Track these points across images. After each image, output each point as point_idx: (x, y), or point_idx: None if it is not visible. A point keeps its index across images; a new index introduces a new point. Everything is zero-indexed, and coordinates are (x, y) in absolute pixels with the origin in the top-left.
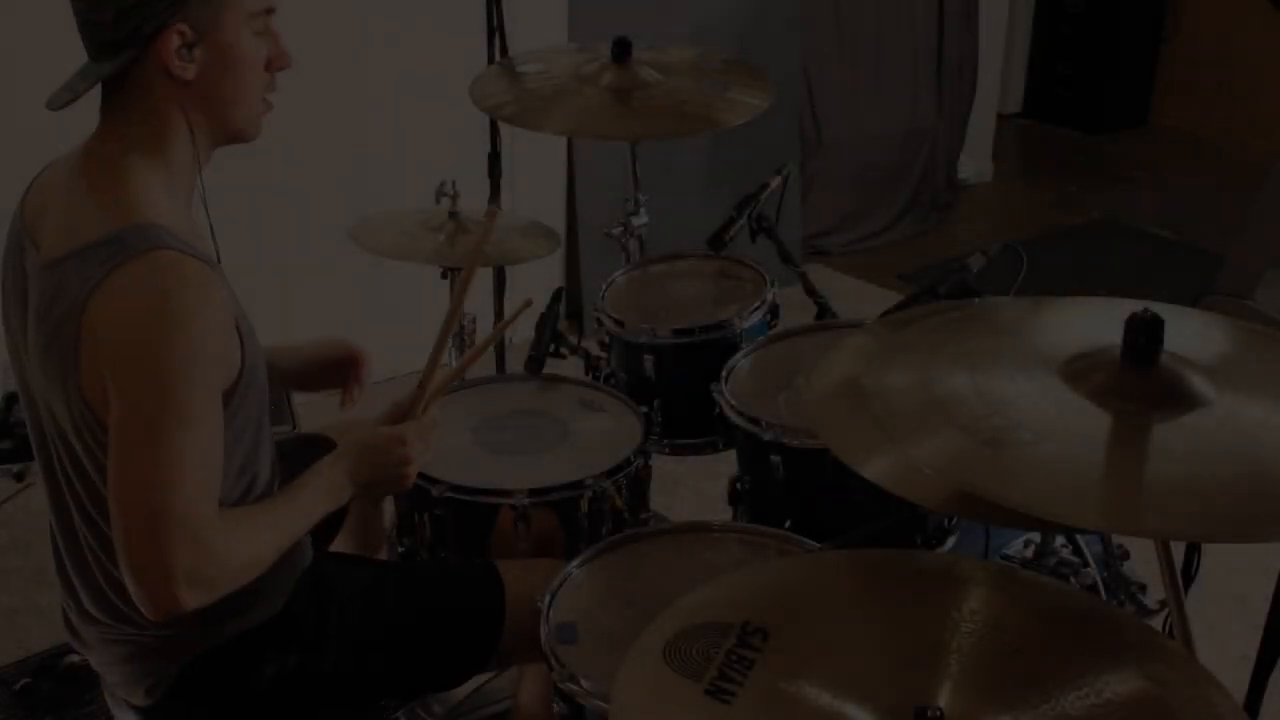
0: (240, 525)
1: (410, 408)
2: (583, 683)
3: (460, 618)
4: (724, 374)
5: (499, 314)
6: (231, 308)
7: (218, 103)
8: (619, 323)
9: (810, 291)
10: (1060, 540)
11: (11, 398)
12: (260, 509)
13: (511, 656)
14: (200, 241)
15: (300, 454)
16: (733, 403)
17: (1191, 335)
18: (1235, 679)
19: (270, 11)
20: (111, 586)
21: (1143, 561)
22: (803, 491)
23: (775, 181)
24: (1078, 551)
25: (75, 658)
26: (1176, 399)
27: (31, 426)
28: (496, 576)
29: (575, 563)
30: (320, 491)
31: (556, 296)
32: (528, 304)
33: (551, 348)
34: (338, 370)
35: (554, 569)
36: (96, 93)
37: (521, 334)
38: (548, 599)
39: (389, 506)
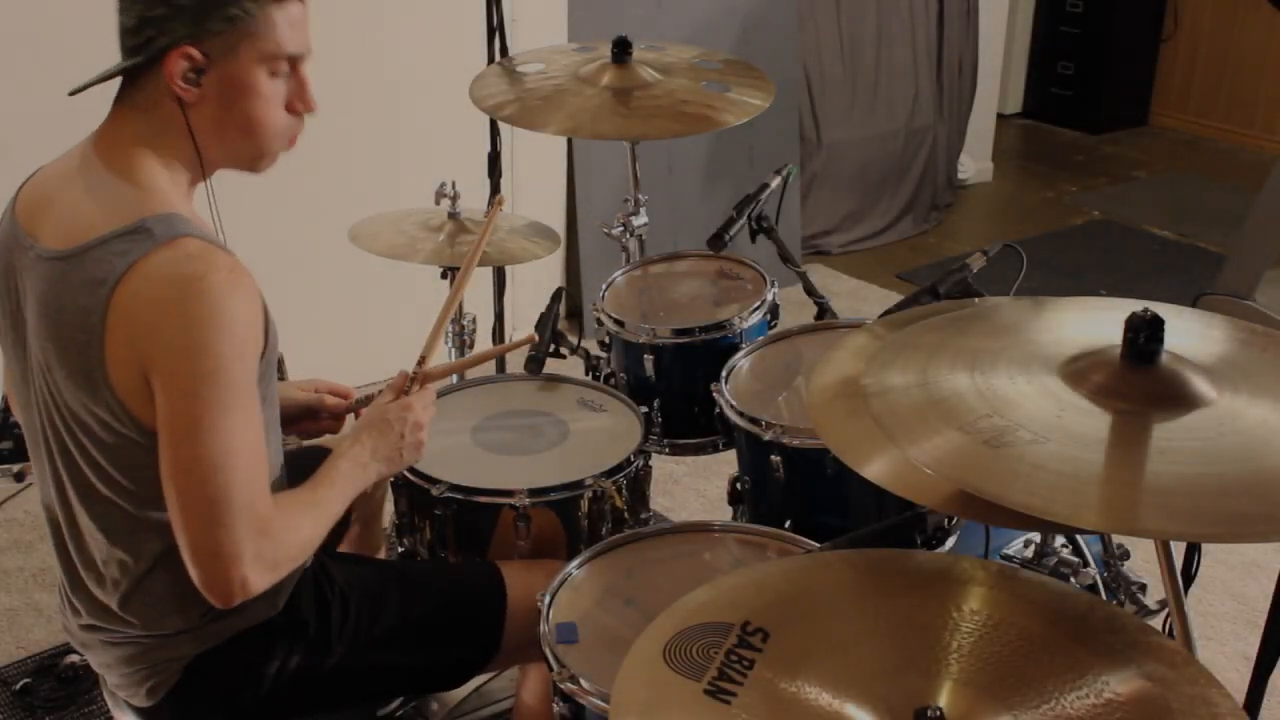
0: (292, 506)
1: (410, 384)
2: (583, 683)
3: (462, 618)
4: (724, 374)
5: (499, 314)
6: (258, 293)
7: (228, 130)
8: (619, 323)
9: (810, 291)
10: (1060, 540)
11: None
12: (304, 492)
13: (512, 656)
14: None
15: (300, 465)
16: (733, 403)
17: (1191, 335)
18: (1235, 679)
19: (295, 59)
20: (115, 590)
21: (1143, 561)
22: (803, 491)
23: (775, 181)
24: (1078, 551)
25: (75, 658)
26: (1176, 399)
27: (30, 429)
28: (498, 576)
29: (575, 563)
30: (349, 473)
31: (556, 296)
32: (530, 339)
33: (551, 348)
34: (309, 416)
35: (554, 569)
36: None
37: (521, 334)
38: (548, 599)
39: (388, 507)
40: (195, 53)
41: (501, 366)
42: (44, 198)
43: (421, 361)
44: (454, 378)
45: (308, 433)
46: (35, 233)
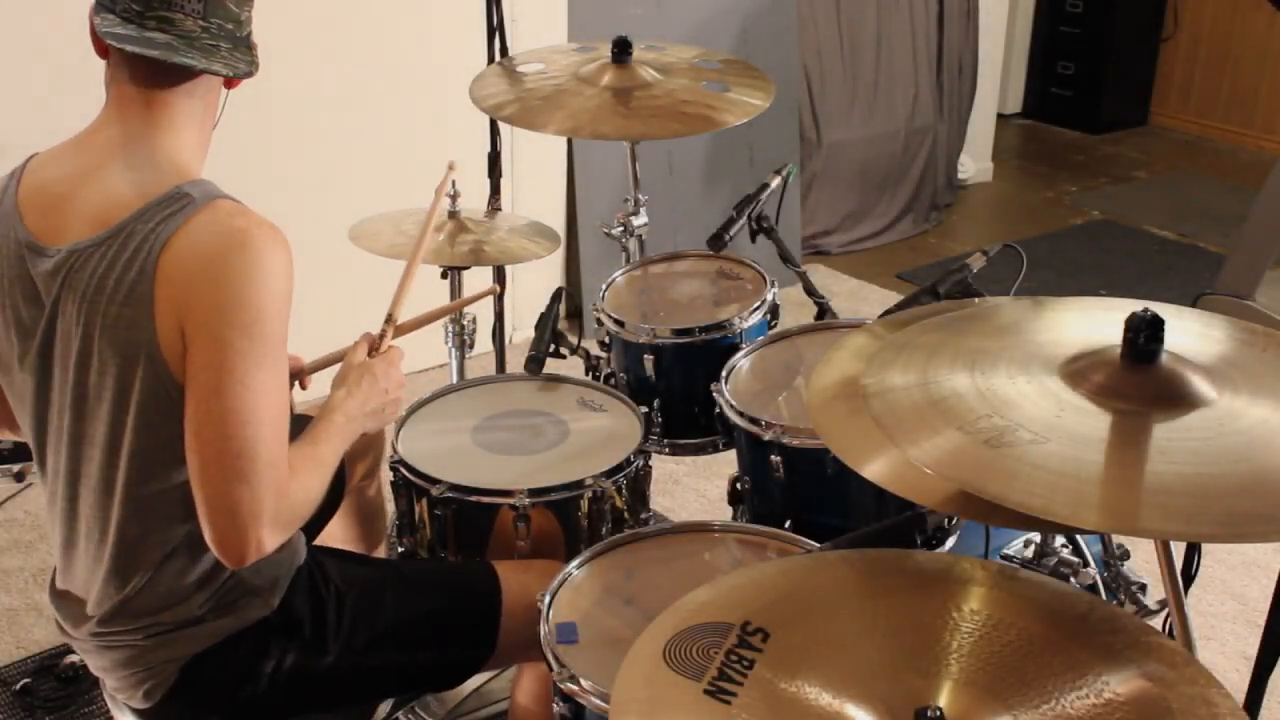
0: (302, 465)
1: (381, 340)
2: (583, 683)
3: (457, 618)
4: (724, 374)
5: (499, 314)
6: (291, 254)
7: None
8: (619, 323)
9: (810, 291)
10: (1060, 540)
11: None
12: (305, 449)
13: (509, 657)
14: None
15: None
16: (733, 403)
17: (1191, 335)
18: (1235, 679)
19: None
20: (114, 591)
21: (1143, 561)
22: (803, 491)
23: (775, 181)
24: (1078, 551)
25: (75, 658)
26: (1176, 399)
27: (42, 430)
28: (494, 576)
29: (575, 563)
30: (343, 428)
31: (556, 296)
32: (492, 290)
33: (551, 348)
34: None
35: (551, 570)
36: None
37: (521, 334)
38: (548, 599)
39: (389, 507)
40: None
41: (501, 367)
42: (56, 198)
43: (390, 320)
44: (453, 377)
45: None
46: (55, 237)
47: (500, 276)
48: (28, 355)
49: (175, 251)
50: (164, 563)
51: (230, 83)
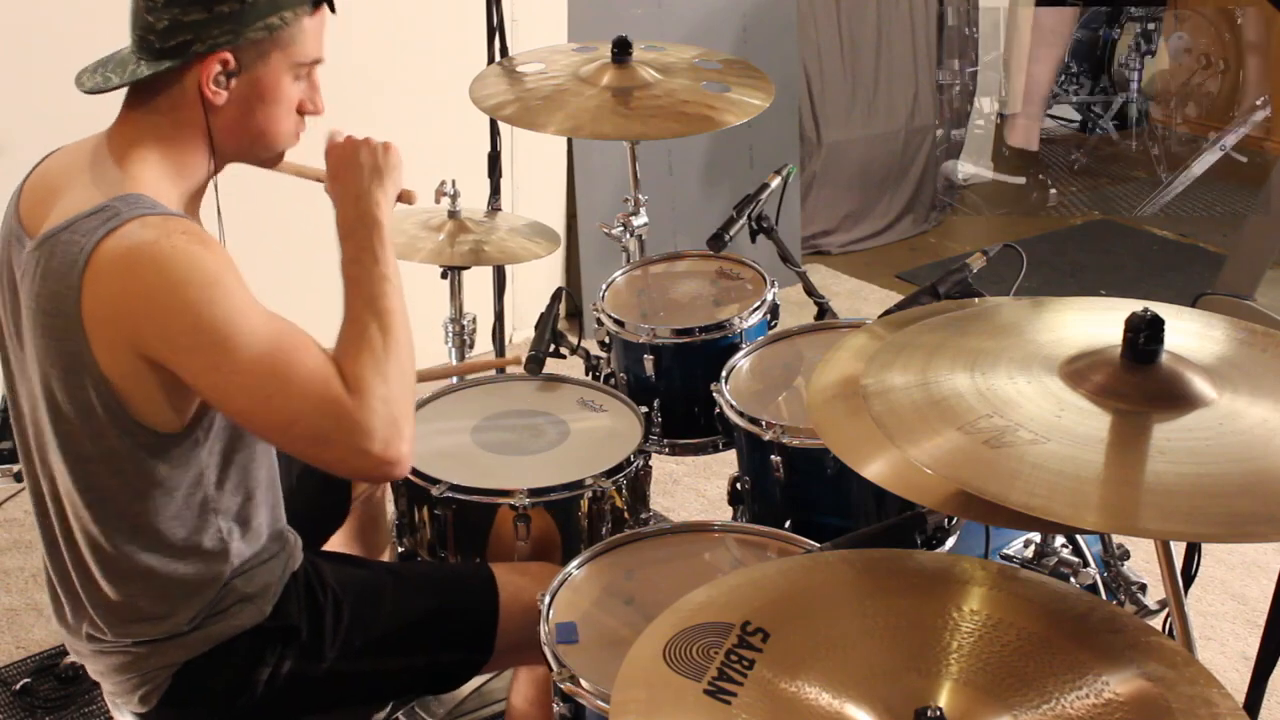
0: (358, 367)
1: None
2: (583, 683)
3: (454, 622)
4: (724, 374)
5: (499, 314)
6: (220, 247)
7: (246, 129)
8: (619, 323)
9: (810, 291)
10: (1060, 540)
11: None
12: (345, 325)
13: (506, 660)
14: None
15: None
16: (733, 403)
17: (1191, 335)
18: (1235, 679)
19: (317, 63)
20: (95, 600)
21: (1143, 561)
22: (803, 491)
23: (775, 181)
24: (1078, 551)
25: (75, 657)
26: (1176, 399)
27: (19, 435)
28: (491, 580)
29: (575, 563)
30: (363, 227)
31: (556, 296)
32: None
33: (551, 348)
34: None
35: (548, 573)
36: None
37: (521, 334)
38: (547, 599)
39: (389, 507)
40: (230, 58)
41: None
42: (48, 192)
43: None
44: (452, 378)
45: None
46: (32, 229)
47: (500, 276)
48: (8, 349)
49: (96, 270)
50: (141, 576)
51: (206, 100)
